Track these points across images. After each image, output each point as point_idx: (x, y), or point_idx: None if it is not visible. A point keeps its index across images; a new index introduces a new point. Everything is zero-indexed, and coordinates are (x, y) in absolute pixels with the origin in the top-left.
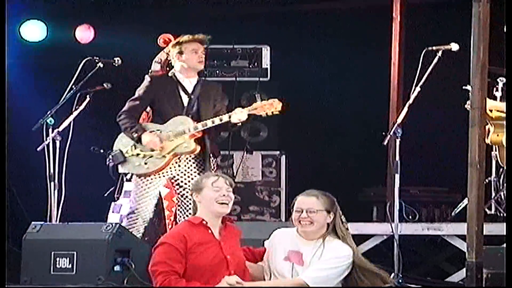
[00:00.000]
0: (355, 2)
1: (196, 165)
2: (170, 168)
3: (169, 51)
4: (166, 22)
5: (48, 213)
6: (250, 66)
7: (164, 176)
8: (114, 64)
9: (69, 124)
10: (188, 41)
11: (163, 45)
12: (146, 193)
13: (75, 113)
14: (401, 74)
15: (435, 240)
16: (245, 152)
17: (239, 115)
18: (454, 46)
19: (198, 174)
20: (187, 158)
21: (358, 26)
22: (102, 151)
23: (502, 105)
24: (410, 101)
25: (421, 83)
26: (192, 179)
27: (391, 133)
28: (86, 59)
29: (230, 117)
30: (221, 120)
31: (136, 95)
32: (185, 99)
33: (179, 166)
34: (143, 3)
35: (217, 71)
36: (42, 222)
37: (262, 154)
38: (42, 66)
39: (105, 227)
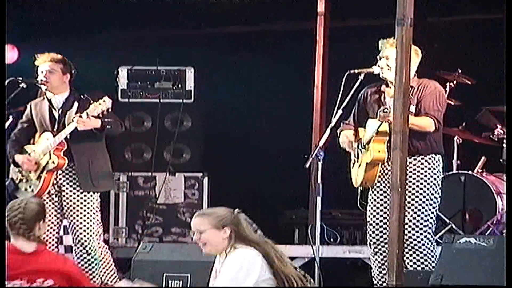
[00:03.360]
0: (279, 24)
1: (72, 176)
2: (54, 185)
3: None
4: (89, 44)
5: None
6: (174, 88)
7: (53, 194)
8: (37, 84)
9: None
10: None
11: None
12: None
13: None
14: (324, 97)
15: (356, 263)
16: (167, 174)
17: (80, 120)
18: (376, 69)
19: (77, 184)
20: (63, 172)
21: (282, 49)
22: None
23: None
24: (332, 123)
25: (343, 106)
26: (75, 189)
27: (313, 156)
28: (9, 80)
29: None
30: (70, 128)
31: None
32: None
33: (59, 180)
34: (67, 24)
35: (141, 93)
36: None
37: (185, 176)
38: None
39: None
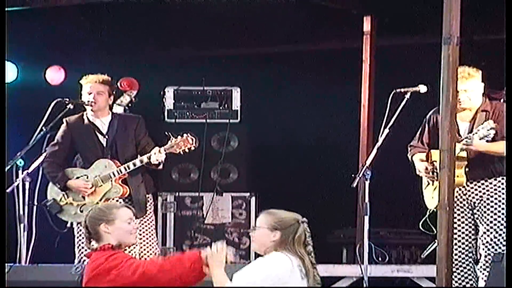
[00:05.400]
0: (325, 44)
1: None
2: None
3: (131, 93)
4: (136, 64)
5: (18, 255)
6: (221, 108)
7: None
8: (84, 105)
9: (39, 166)
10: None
11: (126, 88)
12: None
13: (45, 155)
14: (371, 116)
15: (405, 282)
16: (215, 194)
17: (157, 156)
18: (422, 88)
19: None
20: (117, 201)
21: (328, 68)
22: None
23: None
24: (379, 143)
25: (389, 125)
26: None
27: (361, 175)
28: (56, 101)
29: (149, 158)
30: (141, 161)
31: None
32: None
33: None
34: (113, 44)
35: (187, 113)
36: (11, 264)
37: (232, 196)
38: (12, 107)
39: (74, 269)
